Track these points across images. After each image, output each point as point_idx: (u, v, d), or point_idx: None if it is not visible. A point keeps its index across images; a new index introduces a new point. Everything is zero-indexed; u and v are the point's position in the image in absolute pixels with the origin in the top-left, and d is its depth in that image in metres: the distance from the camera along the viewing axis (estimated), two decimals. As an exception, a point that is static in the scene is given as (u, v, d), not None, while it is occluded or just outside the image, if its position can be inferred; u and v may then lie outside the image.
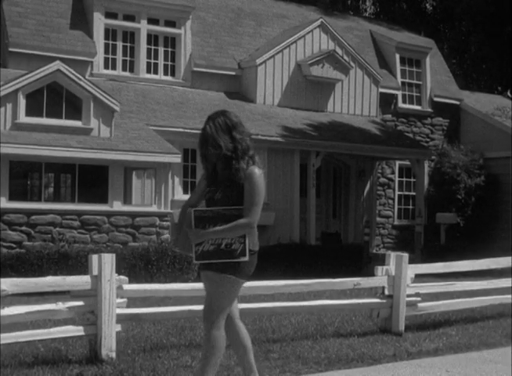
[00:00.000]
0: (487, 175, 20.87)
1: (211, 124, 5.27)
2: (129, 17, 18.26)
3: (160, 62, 18.64)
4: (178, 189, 16.62)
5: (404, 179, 22.02)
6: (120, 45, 18.16)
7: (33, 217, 13.94)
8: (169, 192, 15.60)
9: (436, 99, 22.55)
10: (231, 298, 5.25)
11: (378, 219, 21.11)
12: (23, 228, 13.88)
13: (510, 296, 10.01)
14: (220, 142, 5.21)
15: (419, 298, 8.95)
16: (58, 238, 13.91)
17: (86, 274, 6.80)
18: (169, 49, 18.76)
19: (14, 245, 13.70)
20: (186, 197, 16.61)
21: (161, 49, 18.66)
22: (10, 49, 16.72)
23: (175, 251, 14.30)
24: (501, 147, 20.95)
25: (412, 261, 9.34)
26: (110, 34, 18.01)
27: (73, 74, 14.63)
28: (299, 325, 8.85)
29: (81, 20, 17.78)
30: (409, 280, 8.68)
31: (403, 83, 22.08)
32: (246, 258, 5.19)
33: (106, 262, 6.67)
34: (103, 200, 14.66)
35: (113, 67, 18.05)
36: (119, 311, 6.84)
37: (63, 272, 12.23)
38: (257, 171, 5.25)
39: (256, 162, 5.31)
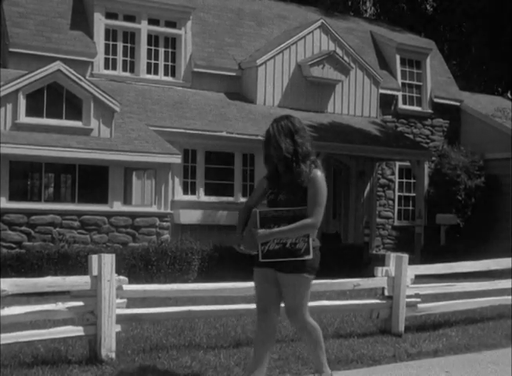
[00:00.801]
0: (487, 176, 20.87)
1: (275, 127, 5.65)
2: (129, 18, 18.26)
3: (161, 62, 18.64)
4: (178, 189, 16.62)
5: (404, 180, 22.02)
6: (120, 45, 18.17)
7: (33, 217, 13.94)
8: (169, 192, 15.60)
9: (436, 100, 22.55)
10: (308, 292, 5.67)
11: (378, 220, 21.11)
12: (23, 228, 13.88)
13: (510, 297, 10.01)
14: (281, 144, 5.50)
15: (419, 299, 8.94)
16: (58, 238, 13.92)
17: (86, 274, 6.79)
18: (169, 50, 18.76)
19: (14, 245, 13.71)
20: (186, 197, 16.67)
21: (161, 50, 18.66)
22: (10, 49, 16.72)
23: (175, 252, 14.32)
24: (501, 148, 20.95)
25: (412, 262, 9.33)
26: (111, 34, 18.01)
27: (73, 74, 14.64)
28: (299, 326, 8.84)
29: (81, 21, 17.78)
30: (408, 281, 8.68)
31: (403, 84, 22.08)
32: (310, 256, 5.52)
33: (105, 263, 6.67)
34: (103, 200, 14.66)
35: (114, 68, 18.05)
36: (119, 311, 6.83)
37: (62, 272, 12.23)
38: (320, 174, 5.65)
39: (318, 166, 5.64)
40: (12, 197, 13.93)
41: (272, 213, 5.52)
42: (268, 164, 5.65)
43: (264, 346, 5.71)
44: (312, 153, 5.62)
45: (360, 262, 17.52)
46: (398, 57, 22.01)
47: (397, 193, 21.81)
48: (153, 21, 18.49)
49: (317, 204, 5.61)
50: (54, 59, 14.95)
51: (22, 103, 14.21)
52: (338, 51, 20.03)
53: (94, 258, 6.71)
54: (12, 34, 16.78)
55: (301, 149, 5.53)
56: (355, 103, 20.58)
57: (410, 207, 21.85)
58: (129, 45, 18.27)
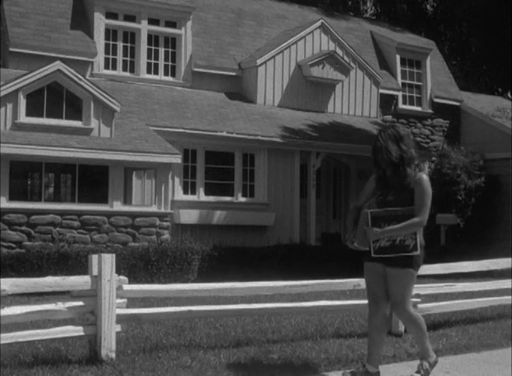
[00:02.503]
0: (487, 176, 20.85)
1: (383, 135, 6.18)
2: (130, 17, 18.26)
3: (161, 62, 18.65)
4: (179, 189, 16.62)
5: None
6: (120, 45, 18.17)
7: (33, 217, 13.94)
8: (169, 192, 15.60)
9: (436, 100, 22.56)
10: (412, 287, 6.31)
11: (378, 220, 21.08)
12: (23, 228, 13.88)
13: (509, 297, 10.00)
14: (389, 150, 6.09)
15: (419, 299, 8.93)
16: (58, 238, 13.91)
17: (86, 274, 6.79)
18: (169, 50, 18.77)
19: (14, 245, 13.71)
20: (186, 197, 16.66)
21: (162, 50, 18.66)
22: (11, 49, 16.72)
23: (175, 252, 14.32)
24: (501, 148, 20.95)
25: (412, 262, 9.32)
26: (111, 34, 18.02)
27: (73, 74, 14.63)
28: (299, 326, 8.85)
29: (81, 20, 17.78)
30: (409, 281, 8.67)
31: (403, 84, 22.09)
32: (418, 252, 6.12)
33: (105, 263, 6.67)
34: (103, 200, 14.66)
35: (114, 67, 18.06)
36: (119, 311, 6.84)
37: (62, 272, 12.24)
38: (425, 177, 6.17)
39: (422, 169, 6.17)
40: (12, 197, 13.93)
41: (382, 213, 6.12)
42: (377, 169, 6.27)
43: (379, 333, 6.28)
44: (417, 157, 6.20)
45: (360, 262, 17.51)
46: (398, 57, 22.02)
47: (397, 193, 21.78)
48: (153, 21, 18.50)
49: (423, 204, 6.11)
50: (54, 59, 14.95)
51: (22, 102, 14.21)
52: (338, 51, 20.04)
53: (94, 257, 6.71)
54: (13, 33, 16.78)
55: (406, 154, 6.12)
56: (355, 102, 20.59)
57: (410, 207, 21.81)
58: (129, 44, 18.28)
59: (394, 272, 6.16)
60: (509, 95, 26.77)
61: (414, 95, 22.36)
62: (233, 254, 15.57)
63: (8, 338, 6.35)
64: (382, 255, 6.15)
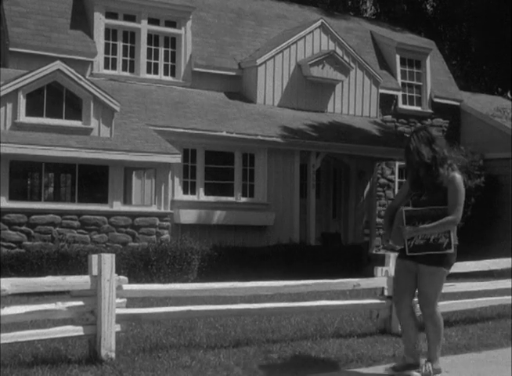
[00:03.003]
0: (487, 176, 20.85)
1: (415, 137, 6.37)
2: (129, 17, 18.26)
3: (161, 62, 18.64)
4: (178, 189, 16.62)
5: (404, 180, 22.01)
6: (120, 45, 18.17)
7: (33, 217, 13.94)
8: (169, 192, 15.60)
9: (436, 99, 22.56)
10: (442, 285, 6.49)
11: (378, 220, 21.07)
12: (23, 228, 13.88)
13: (509, 297, 10.00)
14: (422, 152, 6.28)
15: (419, 299, 8.93)
16: (58, 238, 13.91)
17: (86, 274, 6.80)
18: (169, 49, 18.76)
19: (14, 245, 13.70)
20: (186, 197, 16.66)
21: (161, 49, 18.66)
22: (10, 49, 16.71)
23: (175, 252, 14.33)
24: (501, 148, 20.95)
25: (411, 262, 9.32)
26: (111, 34, 18.01)
27: (73, 73, 14.63)
28: (299, 325, 8.85)
29: (81, 20, 17.78)
30: (408, 281, 8.68)
31: (403, 84, 22.09)
32: (452, 251, 6.33)
33: (105, 262, 6.67)
34: (103, 200, 14.66)
35: (114, 67, 18.05)
36: (118, 311, 6.84)
37: (62, 272, 12.24)
38: (458, 176, 6.35)
39: (455, 169, 6.38)
40: (12, 197, 13.92)
41: (416, 212, 6.32)
42: (410, 170, 6.47)
43: (411, 327, 6.56)
44: (449, 157, 6.41)
45: (360, 262, 17.54)
46: (398, 57, 22.01)
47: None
48: (153, 21, 18.49)
49: (457, 203, 6.30)
50: (54, 59, 14.95)
51: (22, 102, 14.21)
52: (338, 51, 20.03)
53: (94, 257, 6.71)
54: (13, 33, 16.78)
55: (438, 155, 6.32)
56: (355, 102, 20.59)
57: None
58: (129, 44, 18.27)
59: (427, 269, 6.34)
60: (509, 95, 26.79)
61: (414, 95, 22.36)
62: (233, 254, 15.58)
63: (8, 337, 6.35)
64: (416, 253, 6.32)
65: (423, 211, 6.29)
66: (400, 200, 6.62)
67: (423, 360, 6.54)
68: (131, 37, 18.30)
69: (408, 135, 6.55)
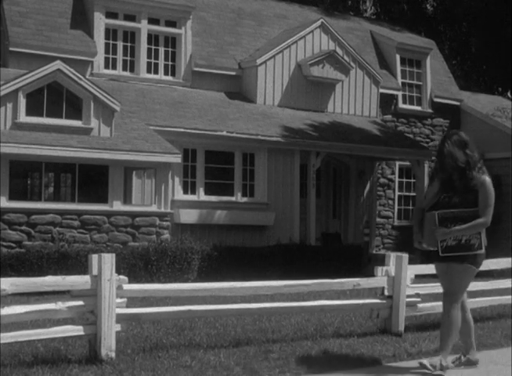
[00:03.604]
0: (487, 176, 20.82)
1: (449, 142, 6.61)
2: (130, 17, 18.26)
3: (161, 62, 18.64)
4: (178, 189, 16.61)
5: (404, 180, 22.02)
6: (120, 44, 18.16)
7: (33, 216, 13.94)
8: (169, 192, 15.60)
9: (436, 99, 22.55)
10: (468, 284, 6.72)
11: (378, 220, 21.11)
12: (23, 227, 13.88)
13: (509, 297, 10.00)
14: (456, 156, 6.54)
15: (419, 299, 8.94)
16: (58, 238, 13.91)
17: (86, 274, 6.80)
18: (169, 49, 18.76)
19: (14, 245, 13.70)
20: (186, 196, 16.66)
21: (162, 49, 18.66)
22: (10, 49, 16.71)
23: (175, 251, 14.33)
24: (501, 148, 20.94)
25: (412, 261, 9.33)
26: (111, 33, 18.01)
27: (73, 73, 14.63)
28: (299, 325, 8.85)
29: (81, 20, 17.78)
30: (408, 281, 8.69)
31: (403, 83, 22.09)
32: (483, 251, 6.62)
33: (105, 262, 6.67)
34: (103, 199, 14.66)
35: (114, 67, 18.05)
36: (119, 311, 6.84)
37: (62, 271, 12.23)
38: (488, 179, 6.67)
39: (485, 172, 6.67)
40: (12, 197, 13.92)
41: (448, 214, 6.56)
42: (443, 173, 6.69)
43: (464, 324, 6.80)
44: (479, 161, 6.68)
45: (360, 262, 17.54)
46: (398, 57, 22.01)
47: (397, 193, 21.81)
48: (153, 20, 18.49)
49: (488, 205, 6.66)
50: (54, 59, 14.94)
51: (22, 102, 14.21)
52: (338, 50, 20.03)
53: (94, 257, 6.71)
54: (13, 33, 16.78)
55: (471, 158, 6.58)
56: (355, 102, 20.58)
57: (410, 207, 21.84)
58: (129, 44, 18.27)
59: (457, 266, 6.58)
60: (509, 95, 26.77)
61: (414, 94, 22.36)
62: (233, 254, 15.58)
63: (8, 337, 6.35)
64: (449, 254, 6.57)
65: (455, 213, 6.54)
66: (428, 201, 6.83)
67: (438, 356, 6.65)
68: (131, 37, 18.29)
69: (441, 140, 6.75)
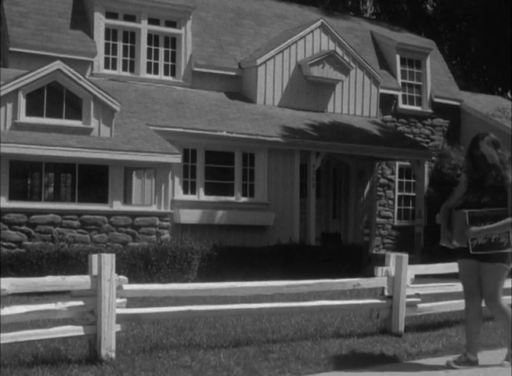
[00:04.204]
0: (487, 176, 20.83)
1: (482, 142, 6.77)
2: (130, 17, 18.26)
3: (161, 62, 18.64)
4: (178, 189, 16.61)
5: (404, 180, 22.03)
6: (120, 44, 18.17)
7: (33, 217, 13.94)
8: (169, 192, 15.60)
9: (436, 99, 22.55)
10: (503, 281, 6.86)
11: (378, 220, 21.11)
12: (23, 227, 13.88)
13: (509, 297, 9.99)
14: (492, 155, 6.71)
15: (419, 299, 8.94)
16: (58, 238, 13.91)
17: (86, 274, 6.79)
18: (169, 49, 18.76)
19: (14, 245, 13.71)
20: (186, 196, 16.66)
21: (162, 49, 18.66)
22: (10, 49, 16.72)
23: (175, 251, 14.33)
24: (501, 148, 20.90)
25: (412, 261, 9.34)
26: (111, 33, 18.01)
27: (73, 73, 14.63)
28: (299, 325, 8.85)
29: (81, 20, 17.78)
30: (408, 281, 8.68)
31: (403, 84, 22.09)
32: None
33: (105, 262, 6.67)
34: (103, 199, 14.66)
35: (114, 67, 18.06)
36: (119, 311, 6.83)
37: (62, 271, 12.22)
38: None
39: None
40: (12, 197, 13.92)
41: (478, 213, 6.69)
42: (477, 172, 6.77)
43: (476, 324, 6.92)
44: (509, 161, 6.86)
45: (360, 262, 17.54)
46: (398, 57, 22.01)
47: (397, 193, 21.82)
48: (153, 21, 18.49)
49: None
50: (54, 59, 14.95)
51: (22, 102, 14.21)
52: (338, 50, 20.03)
53: (94, 257, 6.71)
54: (13, 33, 16.78)
55: (504, 158, 6.79)
56: (355, 102, 20.58)
57: (410, 207, 21.85)
58: (129, 44, 18.27)
59: (489, 267, 6.73)
60: (509, 95, 26.77)
61: (414, 94, 22.36)
62: (233, 254, 15.58)
63: (8, 337, 6.35)
64: (480, 252, 6.70)
65: (485, 213, 6.68)
66: (455, 201, 6.97)
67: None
68: (131, 37, 18.30)
69: (471, 141, 6.92)
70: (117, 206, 14.73)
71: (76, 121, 14.79)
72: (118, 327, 6.84)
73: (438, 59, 23.44)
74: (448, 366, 6.77)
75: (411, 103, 22.29)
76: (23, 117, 14.23)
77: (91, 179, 14.94)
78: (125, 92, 17.39)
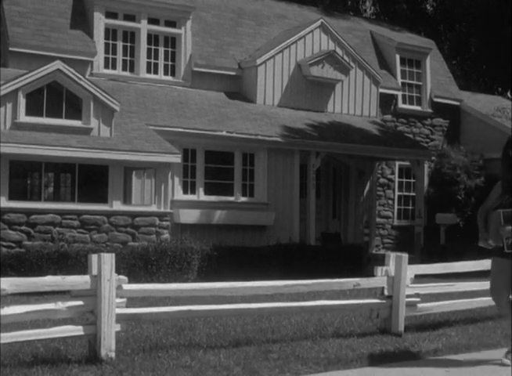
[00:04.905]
0: (487, 176, 20.85)
1: None
2: (129, 17, 18.25)
3: (161, 62, 18.64)
4: (178, 189, 16.61)
5: (404, 180, 22.03)
6: (120, 44, 18.16)
7: (33, 216, 13.94)
8: (169, 192, 15.60)
9: (436, 99, 22.56)
10: None
11: (378, 220, 21.11)
12: (23, 227, 13.88)
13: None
14: None
15: (418, 299, 8.94)
16: (58, 238, 13.91)
17: (86, 274, 6.80)
18: (169, 49, 18.76)
19: (14, 245, 13.70)
20: (186, 196, 16.66)
21: (161, 49, 18.66)
22: (10, 49, 16.71)
23: (175, 251, 14.32)
24: (501, 148, 20.80)
25: (411, 261, 9.34)
26: (110, 33, 18.01)
27: (73, 73, 14.63)
28: (299, 325, 8.85)
29: (81, 20, 17.78)
30: (408, 281, 8.69)
31: (403, 83, 22.09)
32: None
33: (105, 262, 6.67)
34: (103, 199, 14.66)
35: (114, 67, 18.05)
36: (118, 311, 6.84)
37: (62, 271, 12.22)
38: None
39: None
40: (12, 197, 13.92)
41: None
42: (509, 175, 7.04)
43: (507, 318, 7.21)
44: None
45: (360, 262, 17.54)
46: (397, 57, 22.01)
47: (397, 193, 21.82)
48: (152, 20, 18.49)
49: None
50: (54, 59, 14.94)
51: (22, 102, 14.20)
52: (338, 50, 20.03)
53: (94, 257, 6.71)
54: (13, 33, 16.78)
55: None
56: (354, 102, 20.58)
57: (410, 207, 21.85)
58: (129, 44, 18.27)
59: None
60: (509, 95, 26.77)
61: (414, 94, 22.36)
62: (233, 254, 15.57)
63: (8, 337, 6.35)
64: None
65: None
66: (492, 202, 7.22)
67: None
68: (131, 37, 18.29)
69: (506, 143, 7.27)
70: (117, 206, 14.73)
71: (76, 120, 14.79)
72: (118, 327, 6.85)
73: (437, 59, 23.45)
74: (502, 364, 6.95)
75: (411, 103, 22.29)
76: (22, 117, 14.23)
77: (91, 179, 14.94)
78: (125, 91, 17.39)
